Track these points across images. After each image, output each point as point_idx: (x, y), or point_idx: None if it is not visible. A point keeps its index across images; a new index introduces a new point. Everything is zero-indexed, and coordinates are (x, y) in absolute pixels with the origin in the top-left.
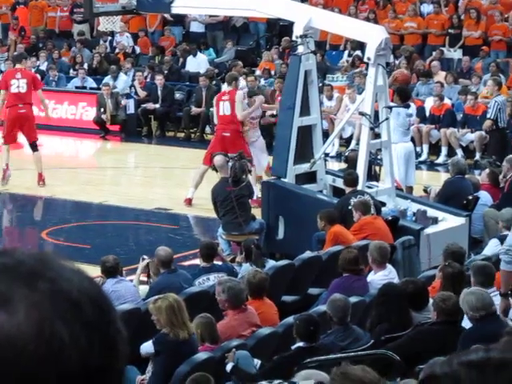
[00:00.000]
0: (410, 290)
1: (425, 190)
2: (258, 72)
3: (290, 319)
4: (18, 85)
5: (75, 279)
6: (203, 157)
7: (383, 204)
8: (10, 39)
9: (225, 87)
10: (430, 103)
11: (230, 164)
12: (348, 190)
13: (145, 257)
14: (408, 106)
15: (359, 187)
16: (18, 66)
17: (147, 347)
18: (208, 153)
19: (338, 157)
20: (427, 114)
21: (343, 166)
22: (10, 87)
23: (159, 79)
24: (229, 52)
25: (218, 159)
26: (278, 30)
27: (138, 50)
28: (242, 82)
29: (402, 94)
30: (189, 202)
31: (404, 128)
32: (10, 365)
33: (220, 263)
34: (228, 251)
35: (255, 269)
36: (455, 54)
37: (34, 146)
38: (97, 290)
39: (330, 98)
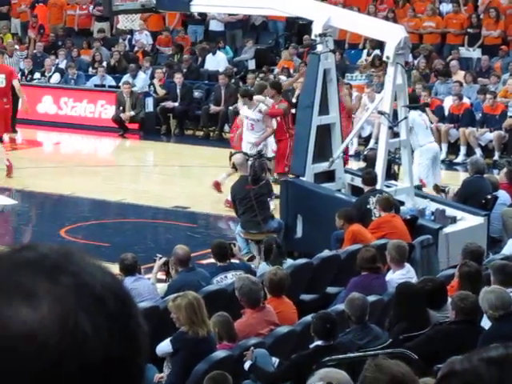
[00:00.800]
0: (428, 288)
1: (436, 189)
2: (276, 70)
3: (308, 318)
4: None
5: (98, 273)
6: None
7: (402, 203)
8: (29, 37)
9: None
10: (448, 102)
11: (250, 162)
12: (367, 188)
13: (159, 255)
14: (427, 105)
15: (378, 186)
16: None
17: (164, 347)
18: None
19: (357, 156)
20: (446, 113)
21: (362, 164)
22: None
23: (178, 77)
24: (249, 51)
25: (238, 157)
26: (297, 28)
27: (157, 48)
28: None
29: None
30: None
31: (423, 128)
32: (33, 358)
33: (237, 262)
34: (246, 249)
35: (276, 266)
36: (474, 53)
37: None
38: (119, 285)
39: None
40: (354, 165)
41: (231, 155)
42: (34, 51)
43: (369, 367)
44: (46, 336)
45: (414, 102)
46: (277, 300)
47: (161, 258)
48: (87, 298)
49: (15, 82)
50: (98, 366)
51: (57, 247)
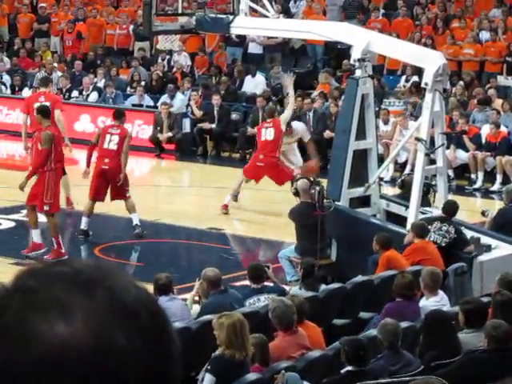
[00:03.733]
0: (470, 308)
1: (482, 213)
2: (314, 94)
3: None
4: None
5: (132, 289)
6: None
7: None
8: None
9: None
10: (486, 130)
11: (313, 190)
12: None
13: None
14: (464, 133)
15: (413, 212)
16: (42, 89)
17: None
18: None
19: (393, 181)
20: (483, 141)
21: (398, 191)
22: (34, 111)
23: (216, 99)
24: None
25: (303, 183)
26: (336, 53)
27: (195, 69)
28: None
29: None
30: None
31: None
32: (68, 372)
33: (271, 284)
34: (294, 275)
35: (292, 294)
36: None
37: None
38: (152, 300)
39: (386, 122)
40: (390, 191)
41: (294, 180)
42: (73, 70)
43: None
44: (82, 350)
45: None
46: (299, 325)
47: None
48: (121, 313)
49: (57, 112)
50: (133, 380)
51: (91, 262)
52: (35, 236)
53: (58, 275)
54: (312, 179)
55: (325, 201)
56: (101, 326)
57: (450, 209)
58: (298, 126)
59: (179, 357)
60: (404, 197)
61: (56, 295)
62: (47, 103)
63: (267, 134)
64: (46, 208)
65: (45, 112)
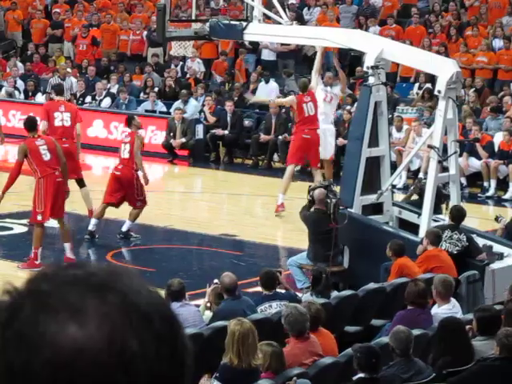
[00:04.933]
0: (485, 315)
1: (496, 219)
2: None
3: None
4: (62, 118)
5: (144, 292)
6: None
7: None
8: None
9: None
10: (499, 138)
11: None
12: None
13: (216, 281)
14: (477, 140)
15: (425, 220)
16: (59, 97)
17: None
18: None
19: (405, 189)
20: (496, 149)
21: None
22: (54, 120)
23: (229, 105)
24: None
25: (320, 193)
26: (349, 60)
27: (211, 72)
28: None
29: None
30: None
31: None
32: (82, 375)
33: (283, 291)
34: (306, 281)
35: (309, 300)
36: None
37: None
38: (165, 305)
39: (399, 129)
40: (402, 198)
41: (310, 189)
42: (86, 75)
43: None
44: (95, 353)
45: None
46: (314, 333)
47: (215, 283)
48: (134, 317)
49: (78, 126)
50: (146, 383)
51: (104, 266)
52: (67, 250)
53: (71, 279)
54: (328, 186)
55: (339, 210)
56: (114, 330)
57: (458, 214)
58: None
59: (191, 363)
60: (420, 204)
61: (69, 299)
62: (67, 114)
63: (309, 109)
64: (39, 218)
65: (28, 125)
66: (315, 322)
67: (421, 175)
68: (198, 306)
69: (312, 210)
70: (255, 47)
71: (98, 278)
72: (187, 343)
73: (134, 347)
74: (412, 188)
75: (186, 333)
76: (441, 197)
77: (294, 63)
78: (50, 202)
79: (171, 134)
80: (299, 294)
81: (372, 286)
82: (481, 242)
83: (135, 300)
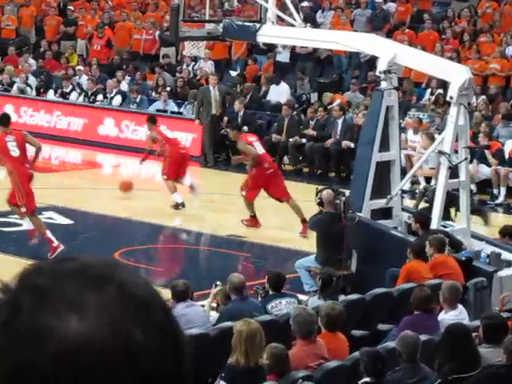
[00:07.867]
0: (490, 322)
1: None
2: (332, 105)
3: (358, 353)
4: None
5: (141, 284)
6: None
7: (461, 243)
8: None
9: None
10: (509, 146)
11: (337, 200)
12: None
13: (218, 283)
14: (487, 147)
15: (434, 226)
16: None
17: None
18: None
19: (415, 194)
20: (506, 156)
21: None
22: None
23: (237, 105)
24: (306, 84)
25: (329, 194)
26: (361, 64)
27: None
28: None
29: None
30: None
31: None
32: (87, 368)
33: (290, 293)
34: (313, 285)
35: (333, 301)
36: None
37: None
38: (161, 297)
39: (416, 131)
40: (412, 203)
41: (318, 191)
42: (98, 73)
43: None
44: (99, 344)
45: None
46: (331, 335)
47: (218, 285)
48: (134, 308)
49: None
50: (150, 376)
51: (100, 258)
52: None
53: (67, 272)
54: (336, 190)
55: (349, 212)
56: (116, 322)
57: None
58: None
59: (190, 357)
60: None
61: (66, 292)
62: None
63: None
64: (23, 210)
65: (1, 120)
66: (335, 323)
67: (433, 182)
68: (202, 306)
69: (322, 213)
70: (269, 48)
71: (95, 270)
72: (186, 336)
73: (138, 337)
74: (419, 195)
75: (184, 330)
76: (453, 200)
77: (308, 66)
78: (28, 194)
79: None
80: (305, 297)
81: (379, 290)
82: (490, 249)
83: (133, 291)
